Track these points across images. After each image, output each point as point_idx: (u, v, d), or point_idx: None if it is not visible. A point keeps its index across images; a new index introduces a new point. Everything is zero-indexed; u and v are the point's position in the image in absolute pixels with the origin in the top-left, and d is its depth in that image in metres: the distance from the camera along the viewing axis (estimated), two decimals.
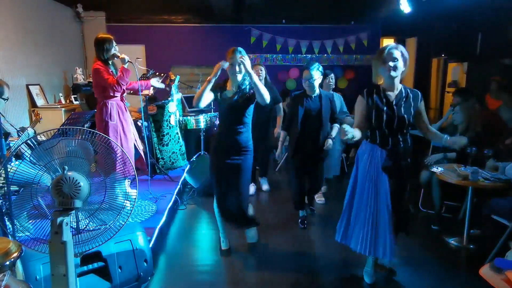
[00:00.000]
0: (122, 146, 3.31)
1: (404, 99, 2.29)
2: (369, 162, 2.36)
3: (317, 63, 3.28)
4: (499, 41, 5.04)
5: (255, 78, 2.58)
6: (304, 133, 3.28)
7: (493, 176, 2.93)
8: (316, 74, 3.20)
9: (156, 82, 3.84)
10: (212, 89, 2.66)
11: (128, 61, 3.26)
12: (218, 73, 2.59)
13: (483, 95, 4.88)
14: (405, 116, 2.26)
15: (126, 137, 3.41)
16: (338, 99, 4.21)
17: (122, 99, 3.44)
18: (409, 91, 2.33)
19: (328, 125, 3.34)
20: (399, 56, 2.21)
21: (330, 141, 3.27)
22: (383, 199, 2.31)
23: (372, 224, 2.35)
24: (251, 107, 2.73)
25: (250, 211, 2.99)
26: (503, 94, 4.60)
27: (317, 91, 3.29)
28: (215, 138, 2.81)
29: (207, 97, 2.63)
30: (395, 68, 2.21)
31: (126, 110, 3.48)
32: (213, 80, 2.59)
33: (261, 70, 4.11)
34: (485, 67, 5.34)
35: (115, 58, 3.30)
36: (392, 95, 2.30)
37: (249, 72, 2.57)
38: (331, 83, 4.19)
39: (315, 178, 3.49)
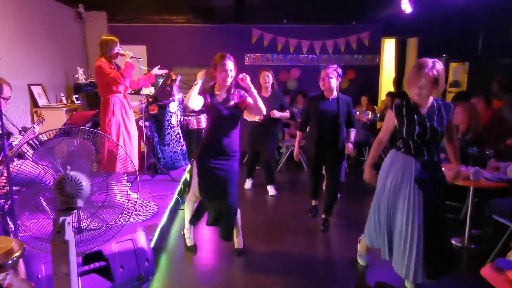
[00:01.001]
0: (124, 142, 3.37)
1: (436, 112, 2.26)
2: (401, 174, 2.30)
3: (335, 65, 3.30)
4: (500, 41, 5.03)
5: (255, 93, 2.66)
6: (319, 135, 3.28)
7: (494, 176, 2.93)
8: (333, 74, 3.19)
9: (158, 71, 3.96)
10: (201, 93, 2.66)
11: (132, 56, 3.38)
12: (202, 78, 2.65)
13: (484, 95, 4.87)
14: (439, 128, 2.23)
15: (129, 134, 3.45)
16: None
17: (125, 97, 3.48)
18: (441, 103, 2.30)
19: (344, 129, 3.33)
20: (432, 82, 2.15)
21: (350, 145, 3.29)
22: (416, 215, 2.24)
23: (405, 241, 2.28)
24: (240, 112, 2.75)
25: (237, 218, 2.92)
26: (504, 94, 4.60)
27: (335, 93, 3.28)
28: (202, 143, 2.76)
29: (197, 101, 2.61)
30: (426, 95, 2.21)
31: (130, 108, 3.53)
32: (199, 83, 2.62)
33: (268, 77, 4.11)
34: (486, 67, 5.32)
35: (119, 57, 3.39)
36: (424, 109, 2.27)
37: (251, 87, 2.65)
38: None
39: (332, 182, 3.45)
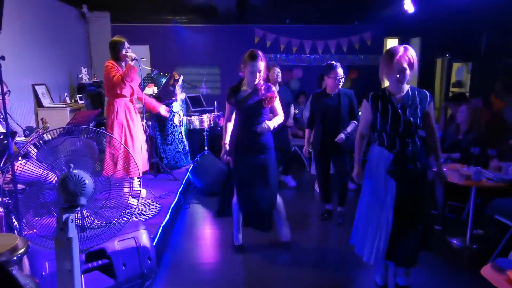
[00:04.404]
0: (127, 145, 3.37)
1: (410, 101, 2.23)
2: (376, 165, 2.33)
3: (338, 63, 3.42)
4: (503, 41, 5.02)
5: (273, 125, 2.73)
6: (323, 130, 3.42)
7: (496, 176, 2.93)
8: (342, 73, 3.34)
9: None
10: (228, 94, 2.77)
11: (134, 59, 3.37)
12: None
13: (487, 95, 4.86)
14: (411, 119, 2.20)
15: (132, 137, 3.45)
16: None
17: (131, 101, 3.50)
18: (416, 92, 2.26)
19: (347, 122, 3.41)
20: (407, 65, 2.13)
21: (342, 135, 3.32)
22: (388, 203, 2.27)
23: (377, 229, 2.31)
24: (267, 108, 2.76)
25: (282, 209, 2.96)
26: (507, 94, 4.59)
27: (337, 89, 3.40)
28: (234, 139, 2.83)
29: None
30: (402, 79, 2.17)
31: (135, 112, 3.54)
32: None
33: (279, 73, 4.17)
34: (489, 67, 5.31)
35: (126, 58, 3.41)
36: (398, 98, 2.25)
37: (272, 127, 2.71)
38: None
39: (341, 171, 3.53)
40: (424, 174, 2.29)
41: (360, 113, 2.59)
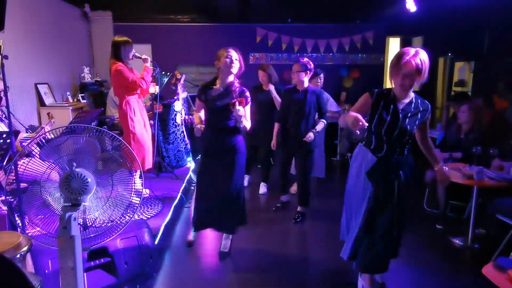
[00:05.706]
0: (145, 140, 3.50)
1: (412, 111, 2.13)
2: (359, 165, 2.28)
3: (306, 59, 3.47)
4: (506, 40, 5.00)
5: (243, 121, 2.57)
6: (288, 124, 3.49)
7: (498, 176, 2.92)
8: (301, 68, 3.36)
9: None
10: (199, 90, 2.71)
11: (151, 61, 3.48)
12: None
13: (489, 94, 4.85)
14: (408, 127, 2.12)
15: (148, 132, 3.58)
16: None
17: (139, 96, 3.59)
18: (419, 102, 2.14)
19: (312, 119, 3.42)
20: (415, 69, 1.96)
21: (311, 134, 3.31)
22: (364, 206, 2.22)
23: (354, 228, 2.30)
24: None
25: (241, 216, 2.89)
26: (510, 94, 4.57)
27: (305, 86, 3.42)
28: (203, 140, 2.76)
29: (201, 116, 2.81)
30: (408, 84, 2.03)
31: (143, 107, 3.63)
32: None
33: (261, 75, 4.11)
34: (492, 67, 5.29)
35: (134, 58, 3.46)
36: (402, 103, 2.14)
37: (241, 120, 2.54)
38: (319, 83, 4.24)
39: (301, 171, 3.53)
40: (405, 184, 2.21)
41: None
